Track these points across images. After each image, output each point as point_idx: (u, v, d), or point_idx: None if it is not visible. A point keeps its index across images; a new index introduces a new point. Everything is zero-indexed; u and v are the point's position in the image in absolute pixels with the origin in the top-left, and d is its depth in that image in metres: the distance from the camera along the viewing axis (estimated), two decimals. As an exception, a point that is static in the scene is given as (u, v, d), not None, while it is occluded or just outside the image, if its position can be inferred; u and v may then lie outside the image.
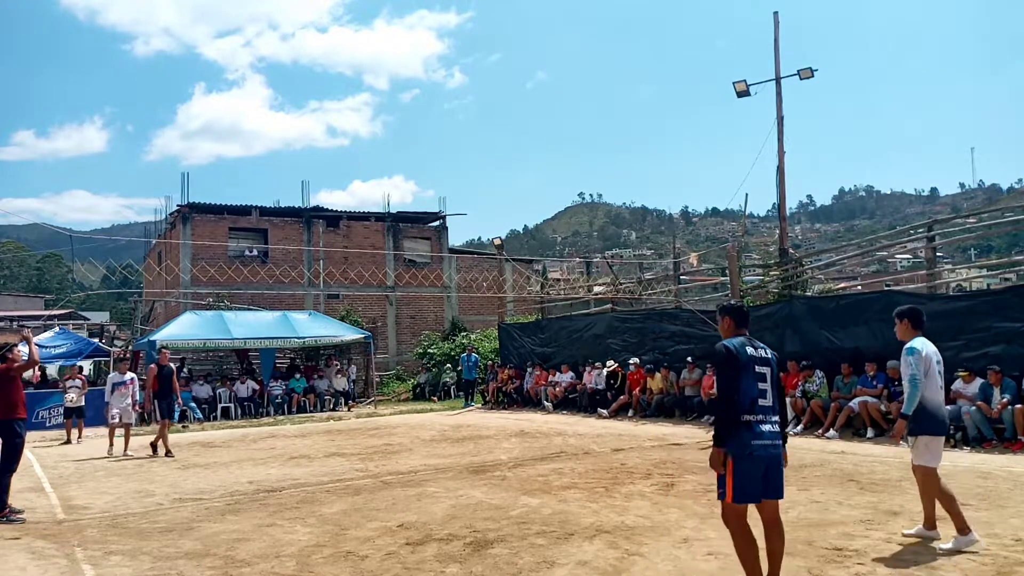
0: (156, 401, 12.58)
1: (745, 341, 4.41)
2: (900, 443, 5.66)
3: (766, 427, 4.27)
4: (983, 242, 56.29)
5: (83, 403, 15.71)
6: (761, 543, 4.34)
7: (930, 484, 5.45)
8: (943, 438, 5.58)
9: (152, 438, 12.67)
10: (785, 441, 4.44)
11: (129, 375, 13.37)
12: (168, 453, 12.17)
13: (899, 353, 5.74)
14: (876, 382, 11.78)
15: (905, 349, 5.56)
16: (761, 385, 4.31)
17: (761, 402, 4.28)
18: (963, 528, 5.30)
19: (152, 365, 12.90)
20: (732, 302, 4.83)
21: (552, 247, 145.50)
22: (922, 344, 5.54)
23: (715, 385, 4.48)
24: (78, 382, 15.80)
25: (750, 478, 4.22)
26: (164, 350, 13.27)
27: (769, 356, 4.44)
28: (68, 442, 15.09)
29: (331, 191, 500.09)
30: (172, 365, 13.03)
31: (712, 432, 4.36)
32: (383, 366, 28.21)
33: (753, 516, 4.33)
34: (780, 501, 4.41)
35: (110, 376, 13.72)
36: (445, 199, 35.79)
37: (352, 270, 28.39)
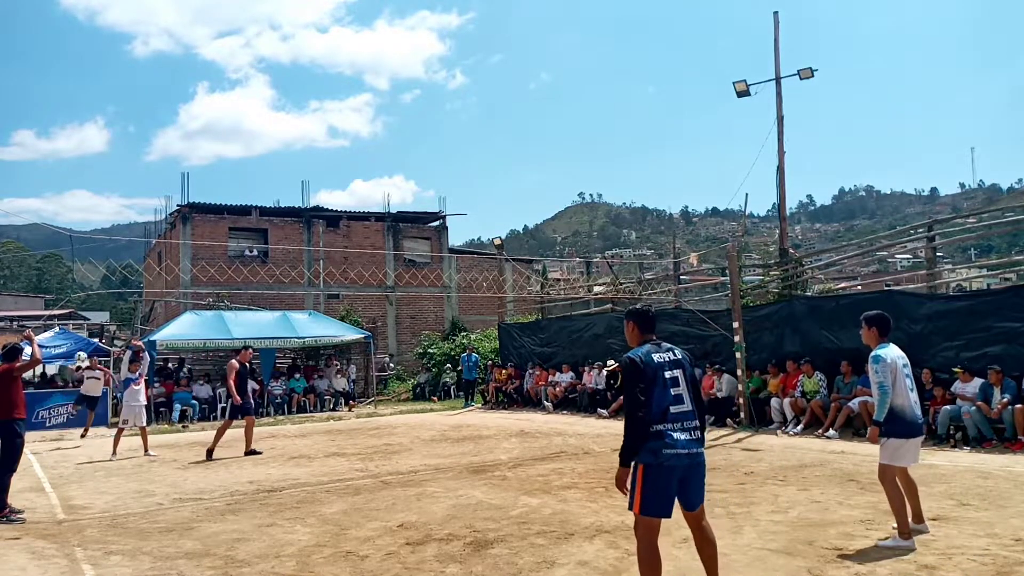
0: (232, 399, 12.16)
1: (652, 348, 4.21)
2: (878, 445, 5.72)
3: (681, 435, 4.05)
4: (983, 242, 56.32)
5: (100, 393, 15.78)
6: (690, 553, 4.08)
7: (888, 481, 5.53)
8: (915, 440, 5.64)
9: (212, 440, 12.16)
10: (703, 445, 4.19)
11: (138, 373, 13.35)
12: (251, 451, 11.99)
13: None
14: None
15: (871, 357, 5.67)
16: (674, 391, 4.11)
17: (674, 409, 4.07)
18: (905, 532, 5.39)
19: (232, 362, 12.34)
20: (637, 306, 4.64)
21: (552, 247, 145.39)
22: (887, 351, 5.65)
23: (623, 399, 4.26)
24: (99, 372, 15.84)
25: (661, 489, 4.02)
26: (248, 349, 12.87)
27: (679, 357, 4.24)
28: (85, 434, 15.14)
29: (331, 191, 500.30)
30: (248, 364, 12.61)
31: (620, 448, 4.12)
32: (383, 366, 28.22)
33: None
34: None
35: (123, 375, 13.67)
36: (445, 199, 35.69)
37: (352, 270, 28.41)
